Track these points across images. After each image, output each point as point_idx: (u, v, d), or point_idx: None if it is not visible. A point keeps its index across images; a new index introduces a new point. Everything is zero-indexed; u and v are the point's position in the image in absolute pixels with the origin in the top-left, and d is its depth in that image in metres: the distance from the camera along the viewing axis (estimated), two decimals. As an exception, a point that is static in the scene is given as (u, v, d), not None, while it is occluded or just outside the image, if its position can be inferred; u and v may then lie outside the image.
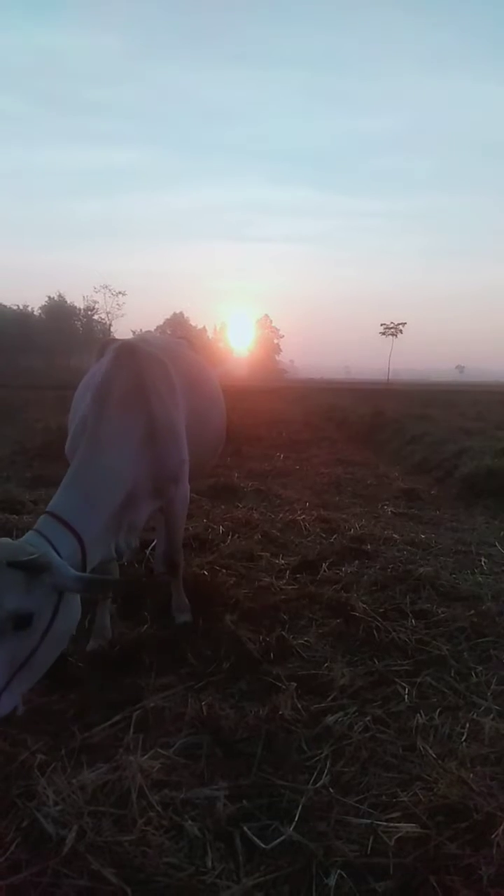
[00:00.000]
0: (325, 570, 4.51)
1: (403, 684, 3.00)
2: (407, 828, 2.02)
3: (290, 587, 4.19)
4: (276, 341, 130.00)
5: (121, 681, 2.98)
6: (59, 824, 1.90)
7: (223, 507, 6.45)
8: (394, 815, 2.11)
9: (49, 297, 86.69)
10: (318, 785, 2.24)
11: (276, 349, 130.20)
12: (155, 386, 3.12)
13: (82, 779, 2.12)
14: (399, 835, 2.00)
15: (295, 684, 2.87)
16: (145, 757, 2.27)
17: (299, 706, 2.71)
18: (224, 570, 4.35)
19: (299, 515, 6.08)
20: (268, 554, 4.90)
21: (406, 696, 2.90)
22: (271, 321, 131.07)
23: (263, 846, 1.96)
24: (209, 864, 1.87)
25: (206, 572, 4.20)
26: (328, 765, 2.36)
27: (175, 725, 2.59)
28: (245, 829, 2.02)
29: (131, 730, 2.54)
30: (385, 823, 2.06)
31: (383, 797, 2.22)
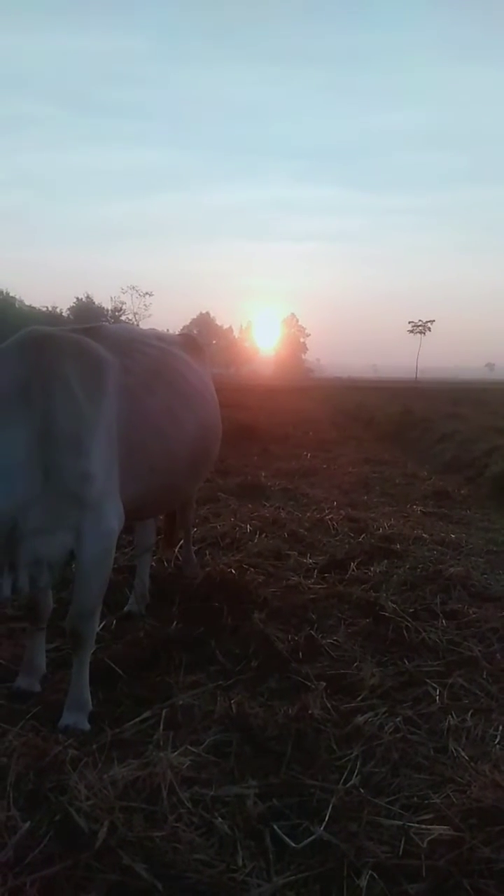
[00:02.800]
0: (353, 570, 4.48)
1: (434, 685, 2.96)
2: (439, 830, 2.00)
3: (319, 586, 4.17)
4: (302, 340, 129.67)
5: (150, 678, 3.00)
6: (90, 819, 1.92)
7: (250, 505, 6.45)
8: (426, 817, 2.08)
9: (77, 299, 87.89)
10: (348, 785, 2.23)
11: (303, 348, 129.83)
12: (66, 378, 2.51)
13: (113, 774, 2.13)
14: (431, 837, 1.97)
15: (324, 683, 2.86)
16: (175, 754, 2.27)
17: (329, 706, 2.70)
18: (252, 569, 4.35)
19: (327, 514, 6.05)
20: (295, 553, 4.89)
21: (437, 698, 2.86)
22: (297, 320, 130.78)
23: (294, 845, 1.95)
24: (239, 861, 1.87)
25: (233, 570, 4.19)
26: (358, 765, 2.34)
27: (204, 723, 2.59)
28: (275, 827, 2.02)
29: (161, 726, 2.56)
30: (417, 825, 2.03)
31: (415, 799, 2.19)
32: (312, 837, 1.97)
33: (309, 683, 2.88)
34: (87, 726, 2.61)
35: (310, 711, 2.59)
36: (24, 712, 2.67)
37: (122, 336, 3.09)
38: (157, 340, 3.39)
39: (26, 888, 1.73)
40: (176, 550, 4.68)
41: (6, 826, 1.93)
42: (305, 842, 1.97)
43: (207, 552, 4.83)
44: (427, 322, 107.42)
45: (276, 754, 2.38)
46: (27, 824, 1.93)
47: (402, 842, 1.97)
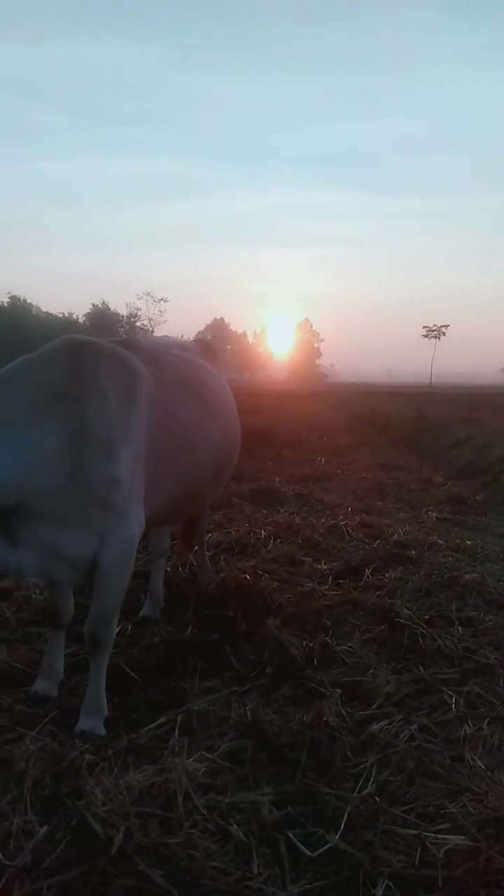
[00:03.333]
0: (368, 576, 4.47)
1: (450, 693, 2.94)
2: (456, 840, 1.99)
3: (333, 592, 4.16)
4: (316, 345, 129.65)
5: (165, 683, 3.01)
6: (106, 825, 1.93)
7: (264, 511, 6.45)
8: (442, 826, 2.07)
9: (93, 305, 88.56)
10: (363, 793, 2.22)
11: (317, 353, 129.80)
12: (99, 385, 2.58)
13: (129, 780, 2.15)
14: (448, 847, 1.96)
15: (339, 691, 2.85)
16: (190, 760, 2.28)
17: (344, 713, 2.69)
18: (266, 575, 4.35)
19: (341, 520, 6.03)
20: (310, 559, 4.88)
21: (453, 706, 2.84)
22: (311, 325, 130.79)
23: (309, 853, 1.95)
24: (255, 869, 1.87)
25: (248, 576, 4.20)
26: (374, 773, 2.33)
27: (219, 729, 2.60)
28: (290, 835, 2.02)
29: (176, 732, 2.57)
30: (433, 835, 2.02)
31: (431, 808, 2.18)
32: (328, 846, 1.97)
33: (324, 690, 2.87)
34: (102, 731, 2.62)
35: (325, 719, 2.59)
36: (41, 717, 2.70)
37: (154, 348, 3.17)
38: (181, 350, 3.44)
39: (43, 893, 1.75)
40: (190, 556, 4.69)
41: (23, 830, 1.95)
42: (321, 850, 1.96)
43: (222, 557, 4.84)
44: (441, 326, 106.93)
45: (290, 761, 2.38)
46: (44, 829, 1.95)
47: (419, 851, 1.95)
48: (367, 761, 2.40)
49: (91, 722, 2.64)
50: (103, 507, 2.54)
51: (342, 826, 2.05)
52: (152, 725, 2.64)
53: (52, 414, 2.45)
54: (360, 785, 2.27)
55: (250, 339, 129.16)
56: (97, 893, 1.78)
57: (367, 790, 2.24)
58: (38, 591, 3.90)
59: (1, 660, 3.15)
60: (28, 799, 2.09)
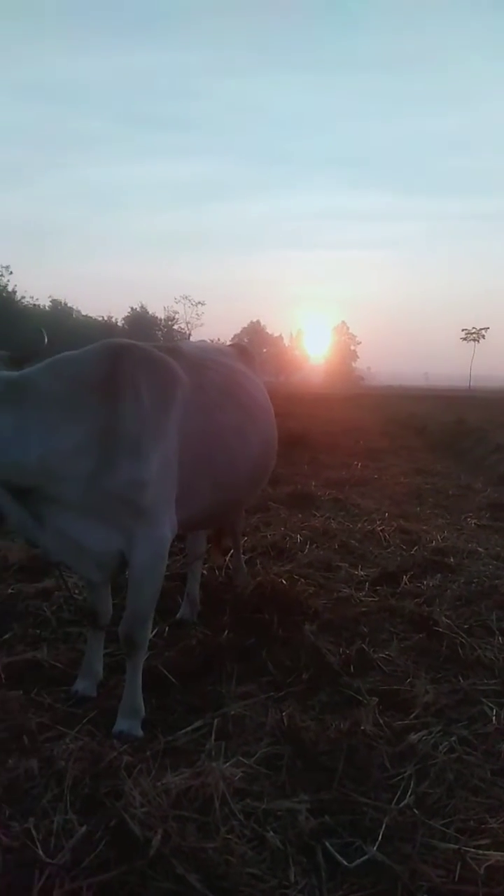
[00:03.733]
0: (405, 583, 4.42)
1: (491, 705, 2.89)
2: (497, 856, 1.95)
3: (370, 599, 4.13)
4: (352, 348, 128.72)
5: (202, 686, 3.03)
6: (145, 826, 1.94)
7: (300, 515, 6.44)
8: (483, 841, 2.03)
9: (132, 308, 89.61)
10: (402, 805, 2.19)
11: (353, 356, 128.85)
12: (135, 385, 2.62)
13: (167, 782, 2.16)
14: (489, 863, 1.92)
15: (377, 699, 2.83)
16: (227, 764, 2.29)
17: (381, 722, 2.67)
18: (302, 580, 4.34)
19: (378, 526, 5.98)
20: (346, 564, 4.85)
21: (494, 718, 2.79)
22: (348, 327, 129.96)
23: (346, 864, 1.93)
24: (291, 877, 1.86)
25: (284, 581, 4.19)
26: (412, 785, 2.30)
27: (256, 734, 2.60)
28: (327, 844, 2.00)
29: (213, 736, 2.58)
30: (474, 850, 1.99)
31: (471, 822, 2.14)
32: (365, 857, 1.95)
33: (361, 698, 2.85)
34: (140, 733, 2.65)
35: (362, 727, 2.57)
36: (80, 716, 2.74)
37: (197, 355, 3.20)
38: (221, 356, 3.46)
39: (83, 892, 1.77)
40: (226, 559, 4.70)
41: (63, 829, 1.99)
42: (358, 861, 1.95)
43: (258, 561, 4.84)
44: (481, 329, 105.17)
45: (327, 770, 2.37)
46: (83, 828, 1.98)
47: (458, 866, 1.92)
48: (405, 772, 2.37)
49: (128, 723, 2.67)
50: (130, 508, 2.58)
51: (380, 837, 2.03)
52: (189, 728, 2.66)
53: (84, 407, 2.53)
54: (398, 796, 2.24)
55: (286, 341, 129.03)
56: (135, 895, 1.80)
57: (406, 802, 2.21)
58: (77, 592, 3.96)
59: (41, 659, 3.21)
60: (68, 798, 2.12)
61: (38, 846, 1.91)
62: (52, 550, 2.70)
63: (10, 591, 4.08)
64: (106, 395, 2.56)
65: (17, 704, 2.72)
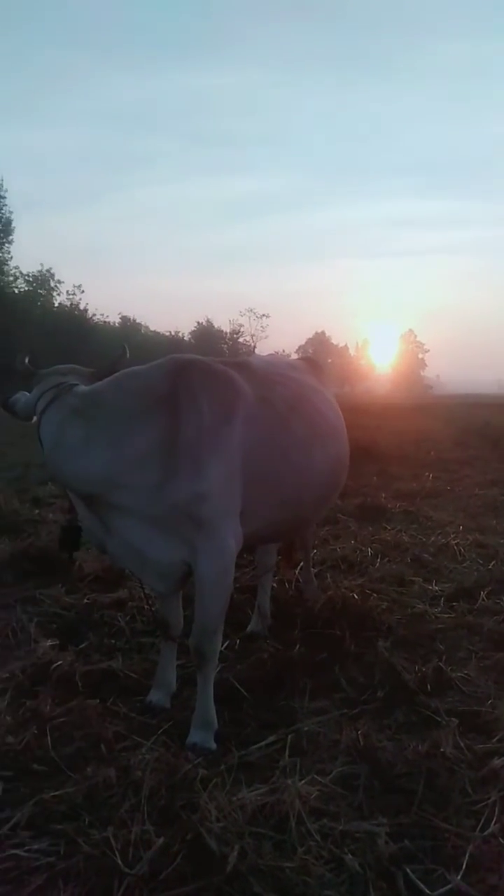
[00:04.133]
0: (483, 599, 4.26)
1: None
2: None
3: (446, 615, 4.00)
4: (421, 356, 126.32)
5: (275, 701, 3.01)
6: (221, 842, 1.94)
7: (370, 528, 6.32)
8: None
9: (198, 323, 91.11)
10: (486, 833, 2.10)
11: (422, 364, 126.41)
12: (197, 399, 2.67)
13: (242, 797, 2.16)
14: None
15: (456, 721, 2.72)
16: (303, 782, 2.26)
17: (462, 745, 2.56)
18: (375, 595, 4.25)
19: (453, 539, 5.79)
20: (420, 579, 4.72)
21: None
22: (416, 335, 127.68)
23: (429, 893, 1.86)
24: (371, 903, 1.81)
25: (355, 595, 4.12)
26: (497, 812, 2.20)
27: (330, 752, 2.56)
28: (408, 871, 1.94)
29: (286, 752, 2.55)
30: None
31: None
32: (449, 886, 1.88)
33: (439, 719, 2.75)
34: (213, 745, 2.66)
35: (441, 750, 2.48)
36: (155, 727, 2.77)
37: (264, 369, 3.21)
38: (291, 371, 3.45)
39: (161, 904, 1.78)
40: (296, 572, 4.67)
41: (141, 839, 2.00)
42: (441, 890, 1.87)
43: (328, 575, 4.79)
44: None
45: (406, 792, 2.29)
46: (161, 840, 1.99)
47: (549, 903, 1.82)
48: (489, 798, 2.26)
49: (201, 735, 2.69)
50: (192, 520, 2.61)
51: (464, 866, 1.95)
52: (262, 743, 2.64)
53: (147, 420, 2.62)
54: (481, 824, 2.15)
55: (352, 351, 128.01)
56: (212, 910, 1.79)
57: (490, 830, 2.11)
58: (150, 603, 4.03)
59: (117, 668, 3.27)
60: (145, 808, 2.15)
61: (117, 855, 1.94)
62: (117, 557, 2.83)
63: (85, 600, 4.19)
64: (168, 409, 2.63)
65: (94, 713, 2.79)
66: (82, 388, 2.84)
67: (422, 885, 1.88)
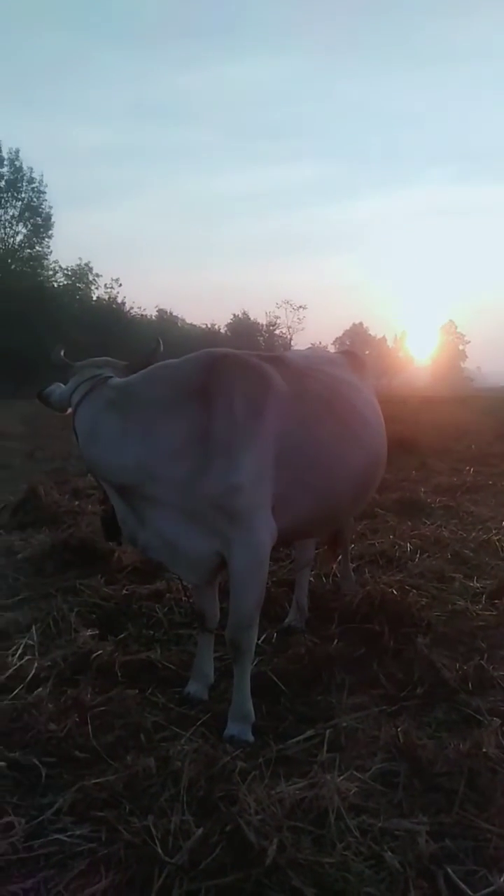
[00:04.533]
0: (527, 597, 4.16)
1: None
2: None
3: (488, 613, 3.93)
4: (461, 347, 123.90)
5: (312, 696, 3.00)
6: (260, 834, 1.94)
7: (410, 522, 6.24)
8: None
9: (234, 315, 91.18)
10: (529, 836, 2.05)
11: (462, 356, 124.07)
12: (229, 392, 2.68)
13: (280, 791, 2.16)
14: None
15: (498, 721, 2.67)
16: (341, 778, 2.25)
17: (505, 745, 2.51)
18: (414, 591, 4.19)
19: (494, 535, 5.68)
20: (460, 576, 4.64)
21: None
22: (456, 327, 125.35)
23: (471, 893, 1.84)
24: (411, 902, 1.79)
25: (394, 591, 4.07)
26: (541, 815, 2.15)
27: (369, 749, 2.54)
28: (449, 870, 1.91)
29: (325, 747, 2.54)
30: None
31: None
32: (492, 888, 1.85)
33: (481, 718, 2.71)
34: (250, 738, 2.67)
35: (484, 750, 2.43)
36: (193, 718, 2.80)
37: (300, 364, 3.18)
38: (329, 366, 3.42)
39: (201, 894, 1.80)
40: (334, 566, 4.65)
41: (181, 829, 2.02)
42: (484, 891, 1.85)
43: (366, 570, 4.75)
44: None
45: (446, 792, 2.26)
46: (200, 830, 2.01)
47: None
48: (532, 800, 2.22)
49: (239, 728, 2.70)
50: (225, 513, 2.62)
51: (507, 869, 1.91)
52: (300, 738, 2.64)
53: (180, 413, 2.66)
54: (525, 826, 2.10)
55: (390, 343, 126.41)
56: (251, 902, 1.80)
57: (534, 833, 2.06)
58: (188, 594, 4.06)
59: (155, 659, 3.31)
60: (184, 798, 2.17)
61: (158, 844, 1.96)
62: (149, 548, 2.84)
63: (124, 591, 4.25)
64: (201, 402, 2.65)
65: (133, 703, 2.83)
66: (117, 380, 2.90)
67: (463, 886, 1.86)
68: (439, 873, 1.90)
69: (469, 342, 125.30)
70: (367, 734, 2.63)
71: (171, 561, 2.84)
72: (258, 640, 3.30)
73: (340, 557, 4.46)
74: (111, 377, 2.92)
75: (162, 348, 3.12)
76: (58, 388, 3.10)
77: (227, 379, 2.72)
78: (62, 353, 3.18)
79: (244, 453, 2.62)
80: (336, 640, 3.47)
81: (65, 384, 3.08)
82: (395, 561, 4.96)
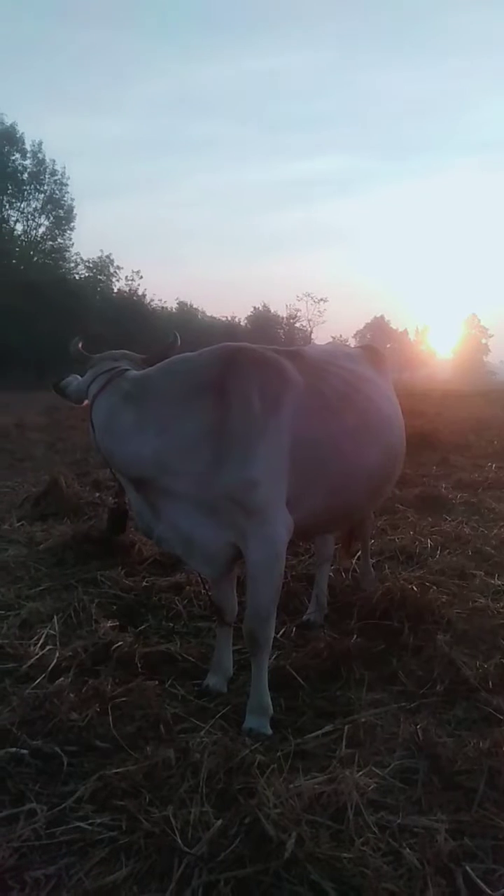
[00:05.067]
0: (549, 595, 4.11)
1: None
2: None
3: (510, 611, 3.88)
4: (484, 341, 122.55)
5: (331, 691, 3.01)
6: (279, 828, 1.96)
7: (430, 518, 6.20)
8: None
9: (254, 308, 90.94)
10: (550, 836, 2.04)
11: (485, 350, 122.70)
12: (245, 385, 2.68)
13: (299, 785, 2.17)
14: None
15: (519, 720, 2.65)
16: (360, 774, 2.25)
17: (525, 744, 2.49)
18: (434, 587, 4.16)
19: (517, 532, 5.62)
20: (482, 573, 4.60)
21: None
22: (479, 320, 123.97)
23: (489, 892, 1.83)
24: (430, 899, 1.79)
25: (414, 587, 4.05)
26: None
27: (388, 745, 2.54)
28: (468, 869, 1.91)
29: (343, 743, 2.55)
30: None
31: None
32: (511, 888, 1.84)
33: (501, 717, 2.69)
34: (268, 731, 2.68)
35: (504, 749, 2.42)
36: (212, 711, 2.82)
37: (318, 358, 3.17)
38: (347, 361, 3.39)
39: (220, 885, 1.81)
40: (353, 562, 4.64)
41: (200, 821, 2.04)
42: (502, 890, 1.83)
43: (386, 566, 4.73)
44: None
45: (466, 790, 2.26)
46: (219, 822, 2.03)
47: None
48: (553, 801, 2.20)
49: (257, 721, 2.71)
50: (241, 506, 2.61)
51: (526, 869, 1.90)
52: (319, 732, 2.65)
53: (197, 407, 2.66)
54: (545, 826, 2.09)
55: (412, 336, 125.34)
56: (269, 895, 1.81)
57: None
58: (206, 587, 4.08)
59: (174, 651, 3.34)
60: (203, 790, 2.19)
61: (177, 835, 1.98)
62: (165, 541, 2.86)
63: (144, 583, 4.28)
64: (217, 396, 2.65)
65: (153, 694, 2.85)
66: (133, 373, 2.92)
67: (482, 885, 1.86)
68: (458, 871, 1.90)
69: (492, 336, 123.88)
70: (386, 730, 2.63)
71: (187, 554, 2.85)
72: (277, 634, 3.31)
73: (360, 553, 4.45)
74: (128, 370, 2.94)
75: (179, 342, 3.13)
76: (74, 380, 3.13)
77: (244, 373, 2.73)
78: (80, 345, 3.20)
79: (260, 447, 2.62)
80: (355, 636, 3.47)
81: (82, 376, 3.11)
82: (416, 557, 4.94)
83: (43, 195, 49.07)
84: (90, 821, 2.10)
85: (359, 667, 3.15)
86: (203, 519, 2.70)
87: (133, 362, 3.07)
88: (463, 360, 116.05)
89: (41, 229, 49.83)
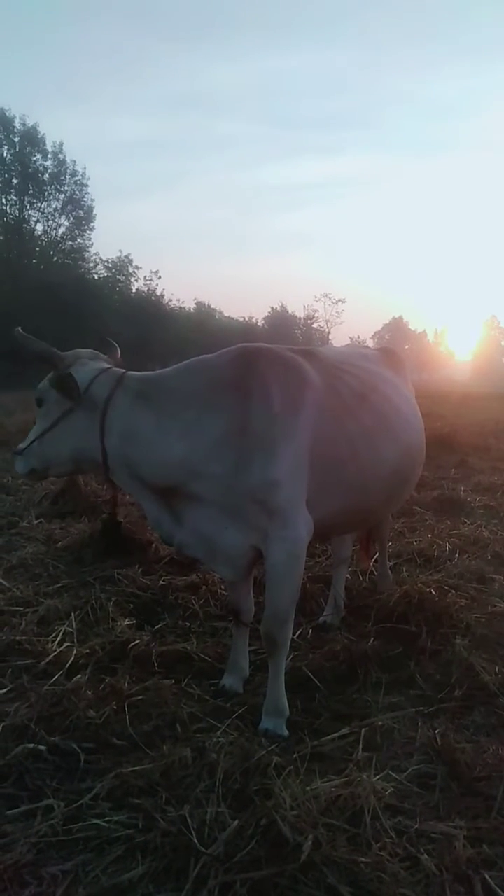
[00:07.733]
0: None
1: None
2: None
3: (529, 616, 3.83)
4: (503, 343, 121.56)
5: (348, 693, 2.99)
6: (295, 830, 1.95)
7: (448, 521, 6.14)
8: None
9: (272, 308, 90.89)
10: None
11: None
12: (266, 386, 2.67)
13: (316, 788, 2.16)
14: None
15: (539, 727, 2.62)
16: (377, 777, 2.23)
17: (545, 752, 2.46)
18: (452, 591, 4.12)
19: (536, 537, 5.55)
20: (501, 577, 4.55)
21: None
22: (499, 322, 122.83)
23: (508, 901, 1.81)
24: (448, 906, 1.78)
25: (432, 591, 4.02)
26: None
27: (405, 749, 2.52)
28: (487, 876, 1.89)
29: (360, 746, 2.53)
30: None
31: None
32: (530, 897, 1.81)
33: (521, 723, 2.66)
34: (285, 732, 2.67)
35: (523, 756, 2.39)
36: (229, 711, 2.81)
37: (334, 359, 3.15)
38: (364, 361, 3.37)
39: (236, 886, 1.81)
40: (371, 564, 4.61)
41: (216, 821, 2.04)
42: (521, 900, 1.81)
43: (403, 569, 4.70)
44: None
45: (485, 796, 2.24)
46: (235, 822, 2.02)
47: None
48: None
49: (273, 722, 2.71)
50: (263, 508, 2.61)
51: (546, 878, 1.88)
52: (335, 735, 2.63)
53: (219, 408, 2.64)
54: None
55: (430, 338, 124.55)
56: (285, 897, 1.80)
57: None
58: (223, 587, 4.08)
59: (191, 651, 3.34)
60: (220, 790, 2.18)
61: (193, 834, 1.98)
62: (187, 546, 2.81)
63: (161, 582, 4.29)
64: (238, 397, 2.64)
65: (169, 693, 2.86)
66: (138, 374, 2.87)
67: (501, 893, 1.83)
68: (476, 878, 1.88)
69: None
70: (403, 734, 2.61)
71: (209, 557, 2.83)
72: (294, 635, 3.30)
73: (378, 555, 4.42)
74: (125, 371, 2.88)
75: (119, 352, 3.20)
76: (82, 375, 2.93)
77: (263, 373, 2.71)
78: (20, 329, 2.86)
79: (283, 449, 2.61)
80: (372, 639, 3.45)
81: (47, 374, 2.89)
82: (434, 560, 4.90)
83: (63, 195, 49.47)
84: (107, 818, 2.11)
85: (376, 670, 3.13)
86: (227, 522, 2.69)
87: (106, 362, 3.01)
88: (482, 361, 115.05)
89: (61, 229, 50.26)
